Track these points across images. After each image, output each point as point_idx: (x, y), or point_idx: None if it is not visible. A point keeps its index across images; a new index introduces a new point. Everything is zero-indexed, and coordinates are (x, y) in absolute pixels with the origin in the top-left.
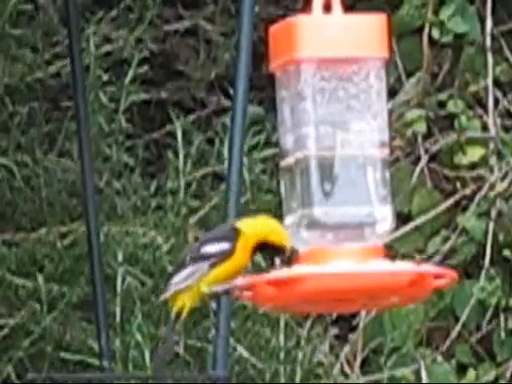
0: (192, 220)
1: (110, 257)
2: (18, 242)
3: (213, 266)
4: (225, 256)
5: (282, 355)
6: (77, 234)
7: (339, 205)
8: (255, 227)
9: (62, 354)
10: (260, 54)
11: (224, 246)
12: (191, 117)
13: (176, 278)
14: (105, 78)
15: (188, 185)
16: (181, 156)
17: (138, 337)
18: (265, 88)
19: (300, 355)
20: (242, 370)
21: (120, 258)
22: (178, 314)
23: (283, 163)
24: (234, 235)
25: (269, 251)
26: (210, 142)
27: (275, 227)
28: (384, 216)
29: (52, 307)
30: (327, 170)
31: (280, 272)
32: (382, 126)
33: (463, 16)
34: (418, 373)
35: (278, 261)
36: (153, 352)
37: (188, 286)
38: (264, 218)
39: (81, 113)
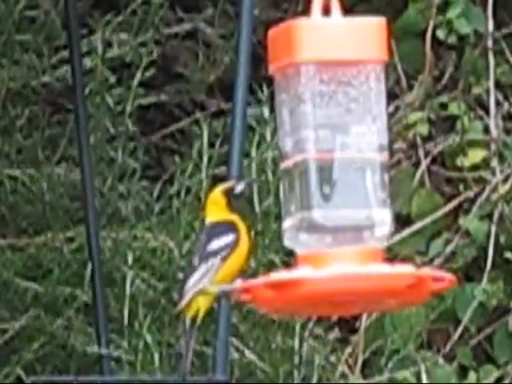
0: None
1: (119, 261)
2: (23, 247)
3: (224, 259)
4: (233, 247)
5: (296, 359)
6: (82, 238)
7: (338, 208)
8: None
9: (65, 358)
10: (259, 57)
11: (229, 237)
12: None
13: (190, 282)
14: (111, 80)
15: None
16: (205, 157)
17: (148, 339)
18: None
19: (317, 359)
20: (250, 374)
21: (130, 261)
22: (194, 319)
23: (282, 166)
24: (233, 227)
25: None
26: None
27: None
28: (383, 219)
29: (57, 311)
30: (326, 173)
31: (279, 275)
32: (382, 130)
33: (467, 17)
34: (418, 375)
35: (239, 186)
36: (161, 355)
37: (204, 286)
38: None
39: (81, 116)
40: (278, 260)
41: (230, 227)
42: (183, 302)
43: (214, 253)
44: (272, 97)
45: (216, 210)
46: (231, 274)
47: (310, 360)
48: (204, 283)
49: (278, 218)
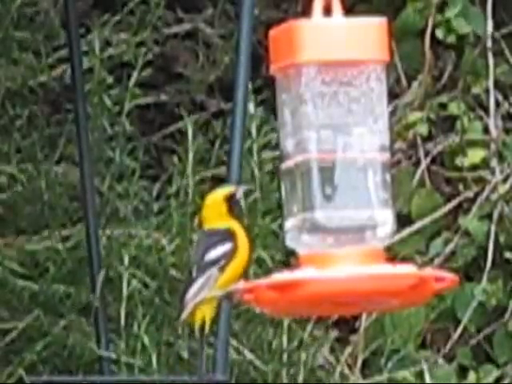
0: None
1: (115, 260)
2: (20, 246)
3: (222, 269)
4: (231, 256)
5: (284, 357)
6: (79, 236)
7: (340, 208)
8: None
9: (65, 358)
10: (259, 57)
11: (227, 246)
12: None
13: (190, 293)
14: (109, 80)
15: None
16: (190, 155)
17: (145, 340)
18: (263, 90)
19: (303, 356)
20: (244, 372)
21: (126, 261)
22: (202, 327)
23: (284, 166)
24: (231, 235)
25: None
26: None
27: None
28: (385, 219)
29: (55, 311)
30: (328, 174)
31: (282, 276)
32: (383, 130)
33: (466, 17)
34: (418, 375)
35: (239, 192)
36: (159, 355)
37: (204, 297)
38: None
39: (80, 116)
40: (266, 256)
41: (226, 236)
42: (185, 314)
43: (212, 263)
44: (257, 92)
45: (216, 215)
46: (230, 282)
47: (299, 358)
48: (204, 294)
49: (266, 214)
